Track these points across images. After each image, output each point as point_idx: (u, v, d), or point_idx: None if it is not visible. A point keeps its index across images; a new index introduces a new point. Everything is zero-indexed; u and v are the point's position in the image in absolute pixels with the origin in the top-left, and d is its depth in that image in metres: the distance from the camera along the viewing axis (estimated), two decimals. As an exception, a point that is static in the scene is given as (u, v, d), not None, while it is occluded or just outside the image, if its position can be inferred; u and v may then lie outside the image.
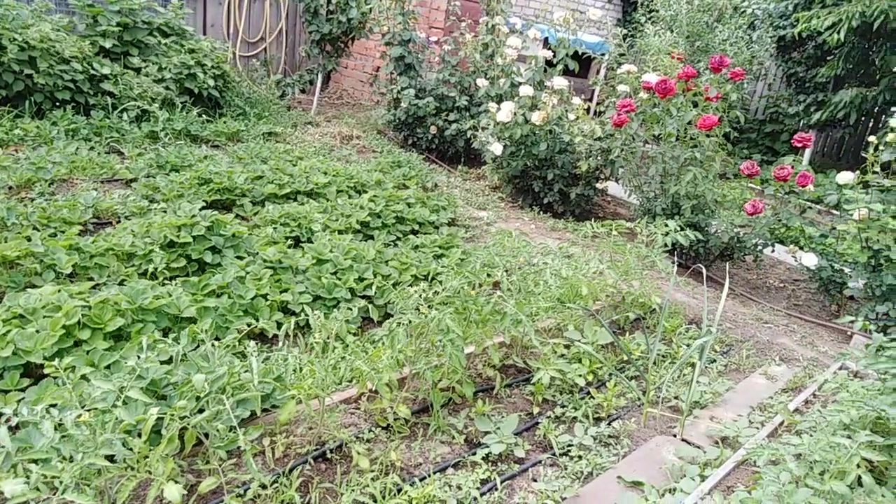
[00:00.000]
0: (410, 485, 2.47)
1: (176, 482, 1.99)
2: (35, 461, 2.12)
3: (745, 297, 5.42)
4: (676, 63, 6.30)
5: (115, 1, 6.82)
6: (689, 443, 2.96)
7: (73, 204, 4.26)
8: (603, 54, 9.70)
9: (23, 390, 2.59)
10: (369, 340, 3.39)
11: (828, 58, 9.33)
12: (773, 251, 5.81)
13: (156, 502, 2.22)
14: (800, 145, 5.08)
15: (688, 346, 3.82)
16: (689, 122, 5.36)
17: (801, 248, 6.13)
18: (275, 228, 4.35)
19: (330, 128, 8.21)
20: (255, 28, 9.63)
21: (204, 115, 7.08)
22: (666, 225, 4.24)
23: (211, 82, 7.22)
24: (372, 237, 4.73)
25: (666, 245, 4.22)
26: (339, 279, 3.76)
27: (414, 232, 5.09)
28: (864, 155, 4.75)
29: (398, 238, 4.89)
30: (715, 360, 3.85)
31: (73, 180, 5.04)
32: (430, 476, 2.53)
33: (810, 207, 5.19)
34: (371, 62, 10.09)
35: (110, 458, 1.96)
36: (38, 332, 2.70)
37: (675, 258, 4.53)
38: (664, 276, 4.76)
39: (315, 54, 8.45)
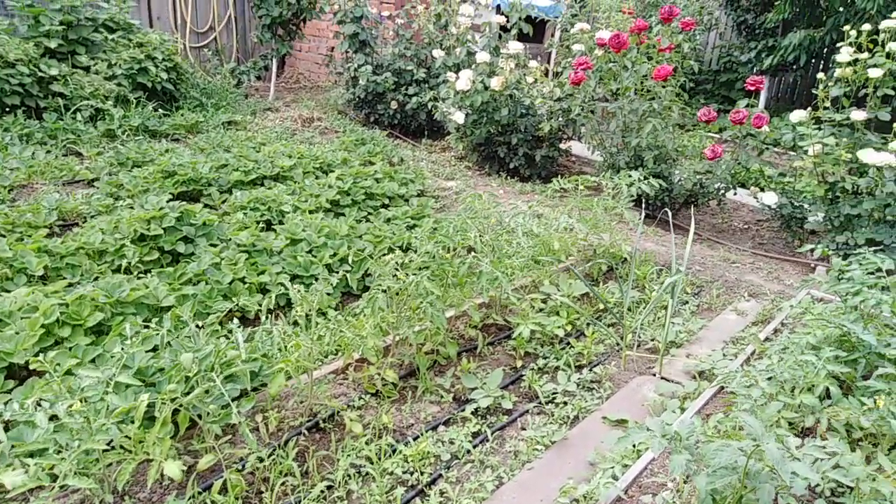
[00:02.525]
0: (405, 444, 2.54)
1: (175, 460, 2.03)
2: (31, 454, 2.14)
3: (711, 241, 5.57)
4: (628, 18, 6.36)
5: (55, -1, 6.63)
6: (667, 380, 3.07)
7: (37, 208, 4.19)
8: (556, 16, 9.71)
9: (8, 392, 2.59)
10: (350, 313, 3.43)
11: (775, 2, 9.48)
12: (735, 194, 5.97)
13: (156, 484, 2.26)
14: (752, 88, 5.19)
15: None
16: (645, 75, 5.43)
17: (761, 189, 6.30)
18: (245, 214, 4.34)
19: (290, 112, 8.13)
20: (204, 17, 9.42)
21: (160, 110, 6.96)
22: (630, 176, 4.33)
23: (164, 75, 7.09)
24: (343, 214, 4.75)
25: (632, 196, 4.31)
26: (315, 257, 3.79)
27: (384, 206, 5.12)
28: (815, 92, 4.88)
29: (369, 213, 4.91)
30: (687, 302, 3.98)
31: (32, 185, 4.94)
32: (422, 435, 2.60)
33: (767, 148, 5.33)
34: (325, 43, 9.97)
35: (107, 446, 1.99)
36: (17, 333, 2.69)
37: (642, 209, 4.64)
38: (632, 226, 4.87)
39: (268, 39, 8.33)
